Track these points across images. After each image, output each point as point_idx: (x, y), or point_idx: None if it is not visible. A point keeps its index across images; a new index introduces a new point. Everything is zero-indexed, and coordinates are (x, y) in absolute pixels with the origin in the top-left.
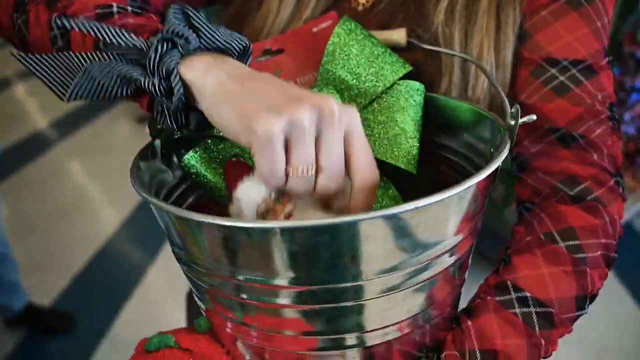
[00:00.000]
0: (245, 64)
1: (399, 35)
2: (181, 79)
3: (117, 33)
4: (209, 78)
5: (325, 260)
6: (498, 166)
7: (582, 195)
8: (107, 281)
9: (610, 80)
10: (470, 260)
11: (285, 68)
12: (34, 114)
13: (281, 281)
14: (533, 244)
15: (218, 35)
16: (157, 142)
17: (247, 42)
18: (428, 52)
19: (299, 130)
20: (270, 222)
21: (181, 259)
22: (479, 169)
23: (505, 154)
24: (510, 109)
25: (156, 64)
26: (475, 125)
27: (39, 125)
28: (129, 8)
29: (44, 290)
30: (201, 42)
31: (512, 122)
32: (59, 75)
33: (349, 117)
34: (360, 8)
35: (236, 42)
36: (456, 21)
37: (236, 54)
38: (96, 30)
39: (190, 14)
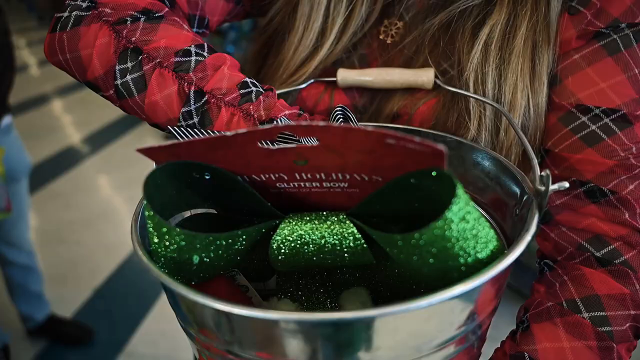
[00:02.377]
0: None
1: (427, 77)
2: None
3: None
4: None
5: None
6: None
7: (610, 258)
8: (127, 295)
9: None
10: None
11: (314, 160)
12: (69, 128)
13: None
14: (554, 311)
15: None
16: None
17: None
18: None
19: None
20: (275, 314)
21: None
22: (501, 227)
23: (532, 231)
24: (541, 170)
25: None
26: (502, 178)
27: (72, 139)
28: (259, 85)
29: (66, 302)
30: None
31: (542, 188)
32: None
33: None
34: (389, 41)
35: None
36: (490, 61)
37: None
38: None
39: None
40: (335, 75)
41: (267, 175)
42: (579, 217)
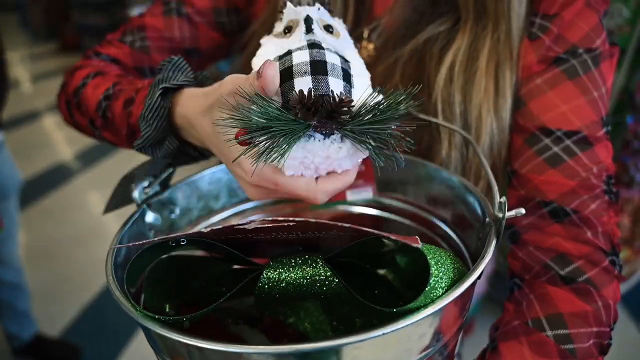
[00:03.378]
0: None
1: None
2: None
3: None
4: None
5: None
6: (481, 272)
7: (574, 276)
8: (116, 313)
9: (609, 151)
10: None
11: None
12: (60, 145)
13: None
14: (520, 330)
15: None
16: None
17: (176, 59)
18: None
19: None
20: (251, 348)
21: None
22: (466, 245)
23: (488, 258)
24: (510, 192)
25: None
26: (468, 199)
27: (63, 156)
28: (110, 90)
29: (53, 320)
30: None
31: (500, 215)
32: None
33: None
34: (365, 56)
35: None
36: (455, 82)
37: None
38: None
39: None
40: None
41: (242, 235)
42: (544, 237)
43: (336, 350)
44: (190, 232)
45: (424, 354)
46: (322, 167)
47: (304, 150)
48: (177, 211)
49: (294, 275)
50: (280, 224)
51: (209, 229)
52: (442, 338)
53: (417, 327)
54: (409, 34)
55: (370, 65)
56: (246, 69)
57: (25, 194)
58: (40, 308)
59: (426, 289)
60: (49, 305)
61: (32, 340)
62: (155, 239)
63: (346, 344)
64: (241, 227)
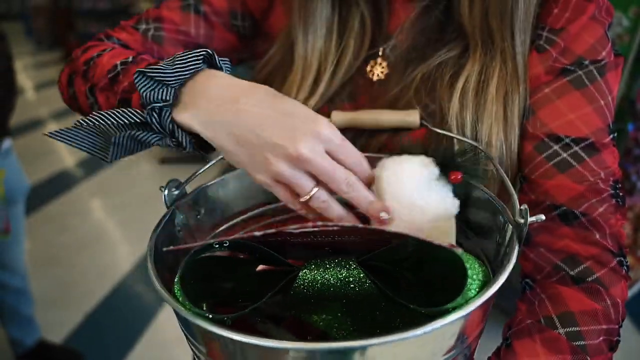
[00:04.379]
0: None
1: (413, 117)
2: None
3: (118, 114)
4: (199, 125)
5: None
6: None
7: (583, 276)
8: (118, 320)
9: (615, 157)
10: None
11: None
12: (63, 152)
13: None
14: (533, 328)
15: (181, 65)
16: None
17: (205, 52)
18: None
19: (304, 163)
20: (283, 343)
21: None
22: (485, 252)
23: (513, 262)
24: (519, 196)
25: (159, 126)
26: (484, 206)
27: (67, 163)
28: (130, 58)
29: (56, 326)
30: (174, 88)
31: (521, 221)
32: (93, 141)
33: (333, 131)
34: (375, 79)
35: (194, 63)
36: (468, 108)
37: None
38: (105, 117)
39: (151, 67)
40: (328, 116)
41: (282, 238)
42: (554, 239)
43: (373, 349)
44: (244, 234)
45: (448, 355)
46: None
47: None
48: (202, 212)
49: (329, 276)
50: (328, 229)
51: (262, 232)
52: (467, 339)
53: (451, 326)
54: (418, 56)
55: (383, 84)
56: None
57: (28, 201)
58: (43, 314)
59: (463, 290)
60: (52, 311)
61: (35, 346)
62: (211, 240)
63: (385, 342)
64: (294, 230)
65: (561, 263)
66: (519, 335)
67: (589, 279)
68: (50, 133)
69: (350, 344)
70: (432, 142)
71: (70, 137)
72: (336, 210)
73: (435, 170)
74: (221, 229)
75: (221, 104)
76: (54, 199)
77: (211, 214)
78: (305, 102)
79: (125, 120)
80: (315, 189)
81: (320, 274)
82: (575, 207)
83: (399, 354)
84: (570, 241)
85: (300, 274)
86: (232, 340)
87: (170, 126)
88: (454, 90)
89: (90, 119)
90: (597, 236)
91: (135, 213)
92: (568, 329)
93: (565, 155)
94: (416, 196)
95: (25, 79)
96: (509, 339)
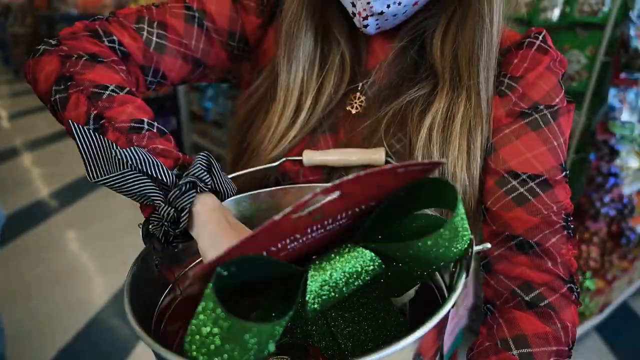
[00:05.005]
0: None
1: (379, 155)
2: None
3: (147, 159)
4: (214, 216)
5: None
6: (455, 301)
7: (537, 301)
8: (93, 356)
9: (567, 192)
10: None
11: (329, 211)
12: (37, 183)
13: None
14: (490, 350)
15: (224, 182)
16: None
17: (235, 189)
18: None
19: None
20: None
21: None
22: (442, 277)
23: (459, 290)
24: (484, 224)
25: (176, 198)
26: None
27: (40, 194)
28: (155, 125)
29: None
30: (213, 185)
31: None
32: (96, 156)
33: None
34: (354, 111)
35: (232, 189)
36: (434, 142)
37: (230, 195)
38: (131, 153)
39: (213, 162)
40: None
41: (282, 243)
42: (512, 266)
43: None
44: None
45: None
46: None
47: None
48: (180, 245)
49: (341, 266)
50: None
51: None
52: (423, 358)
53: (405, 350)
54: (392, 94)
55: (361, 116)
56: (246, 120)
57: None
58: (16, 349)
59: (455, 219)
60: (25, 346)
61: None
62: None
63: None
64: (292, 215)
65: (517, 289)
66: (478, 356)
67: (542, 304)
68: (74, 124)
69: None
70: None
71: (85, 139)
72: None
73: None
74: (199, 260)
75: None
76: (28, 230)
77: (190, 246)
78: (286, 132)
79: (157, 174)
80: None
81: (332, 272)
82: (531, 237)
83: None
84: (526, 268)
85: (309, 281)
86: None
87: (188, 205)
88: (422, 126)
89: (133, 155)
90: (550, 264)
91: (111, 244)
92: (521, 351)
93: (522, 190)
94: None
95: (0, 108)
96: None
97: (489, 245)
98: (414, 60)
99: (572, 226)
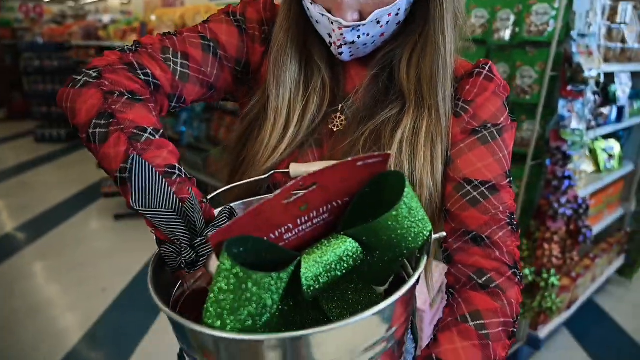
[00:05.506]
0: None
1: None
2: None
3: (197, 207)
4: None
5: None
6: (418, 278)
7: (488, 283)
8: None
9: (511, 195)
10: (406, 336)
11: (312, 201)
12: (3, 216)
13: None
14: (452, 323)
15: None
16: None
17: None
18: None
19: None
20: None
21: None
22: (410, 262)
23: (421, 269)
24: (447, 226)
25: (200, 245)
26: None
27: (7, 228)
28: (183, 171)
29: None
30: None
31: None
32: (145, 188)
33: None
34: (335, 129)
35: None
36: (403, 153)
37: None
38: (190, 203)
39: (235, 214)
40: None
41: (279, 232)
42: (467, 256)
43: (315, 337)
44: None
45: (380, 341)
46: None
47: None
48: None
49: (331, 249)
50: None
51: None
52: (392, 328)
53: (374, 318)
54: (368, 114)
55: (342, 134)
56: (241, 139)
57: None
58: None
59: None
60: None
61: None
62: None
63: (323, 331)
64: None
65: (473, 274)
66: (442, 330)
67: (492, 285)
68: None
69: (293, 334)
70: None
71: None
72: None
73: None
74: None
75: None
76: (0, 263)
77: None
78: (277, 145)
79: (195, 221)
80: None
81: (327, 256)
82: (482, 232)
83: (339, 340)
84: (480, 258)
85: (303, 266)
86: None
87: (207, 254)
88: (394, 140)
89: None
90: (497, 253)
91: (88, 272)
92: (476, 322)
93: (475, 193)
94: None
95: None
96: (435, 334)
97: (444, 233)
98: (385, 84)
99: (515, 222)
